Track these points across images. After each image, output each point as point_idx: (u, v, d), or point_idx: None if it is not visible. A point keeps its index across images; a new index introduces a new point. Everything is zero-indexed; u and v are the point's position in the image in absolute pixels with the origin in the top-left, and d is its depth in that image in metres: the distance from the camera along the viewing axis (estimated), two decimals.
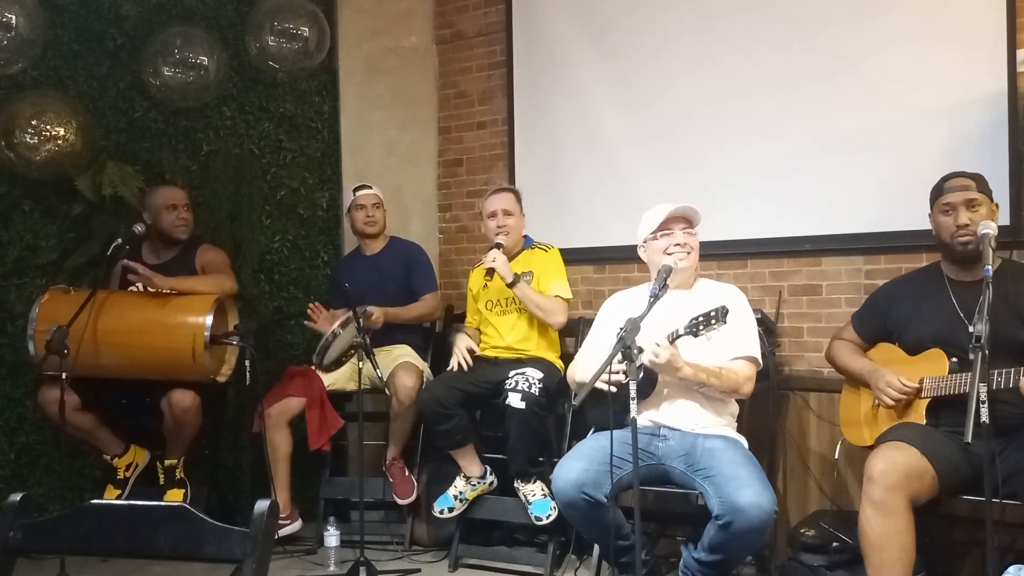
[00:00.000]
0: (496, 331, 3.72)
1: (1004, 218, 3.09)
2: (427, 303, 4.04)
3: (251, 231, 4.31)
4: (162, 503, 1.41)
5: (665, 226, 2.94)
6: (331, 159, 4.55)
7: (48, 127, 3.76)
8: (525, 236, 3.82)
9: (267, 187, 4.39)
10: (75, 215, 4.01)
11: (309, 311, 3.93)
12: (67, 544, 1.38)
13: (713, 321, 2.58)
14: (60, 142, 3.78)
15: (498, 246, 3.60)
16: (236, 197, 4.30)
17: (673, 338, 2.66)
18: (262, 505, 1.31)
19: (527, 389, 3.31)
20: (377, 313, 3.71)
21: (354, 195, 4.13)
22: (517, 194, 3.80)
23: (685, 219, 2.95)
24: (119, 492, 3.79)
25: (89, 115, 3.95)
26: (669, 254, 2.90)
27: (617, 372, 2.63)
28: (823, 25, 3.56)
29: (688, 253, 2.92)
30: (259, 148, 4.38)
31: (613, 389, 2.67)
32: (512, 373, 3.39)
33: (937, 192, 2.77)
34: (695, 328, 2.61)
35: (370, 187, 4.13)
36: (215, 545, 1.31)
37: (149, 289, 3.65)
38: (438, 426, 3.55)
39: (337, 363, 3.65)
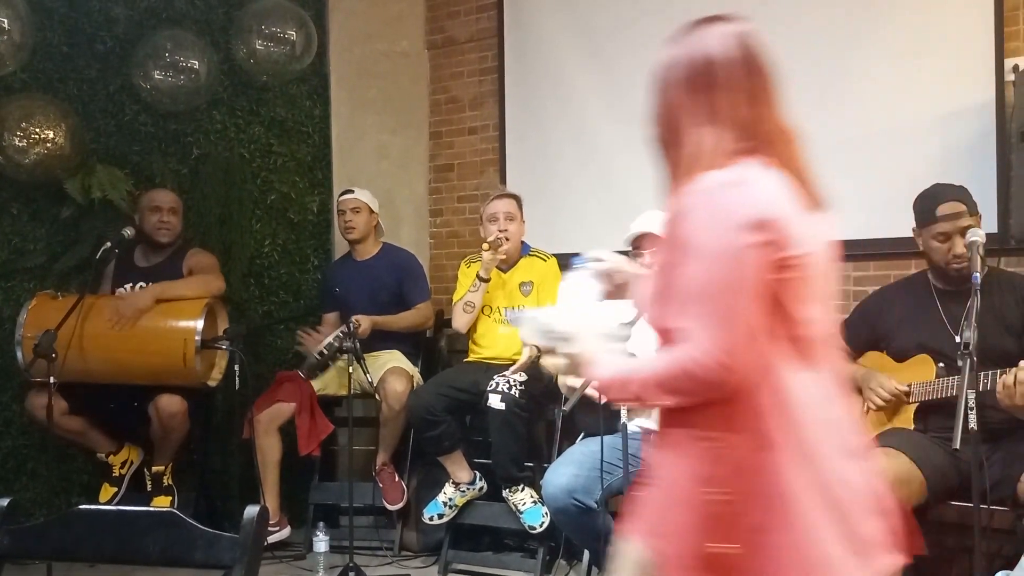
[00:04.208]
0: (492, 340, 3.70)
1: (991, 226, 3.11)
2: (420, 312, 4.03)
3: (241, 235, 4.30)
4: (151, 508, 1.40)
5: (635, 245, 2.93)
6: (322, 163, 4.54)
7: (37, 130, 3.73)
8: (523, 242, 3.82)
9: (257, 191, 4.37)
10: (64, 218, 3.99)
11: (300, 337, 3.95)
12: (54, 550, 1.37)
13: None
14: (49, 145, 3.76)
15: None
16: (226, 201, 4.28)
17: None
18: (252, 511, 1.31)
19: (507, 391, 3.32)
20: (365, 324, 3.71)
21: (338, 199, 4.14)
22: (519, 200, 3.79)
23: (654, 236, 2.91)
24: (115, 490, 3.77)
25: (79, 118, 3.93)
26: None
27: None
28: (815, 37, 3.58)
29: None
30: (249, 152, 4.37)
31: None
32: (496, 376, 3.41)
33: (927, 214, 2.71)
34: None
35: (353, 191, 4.12)
36: (204, 551, 1.30)
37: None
38: (426, 432, 3.54)
39: (323, 367, 3.66)
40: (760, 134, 1.40)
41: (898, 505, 1.44)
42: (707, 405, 1.33)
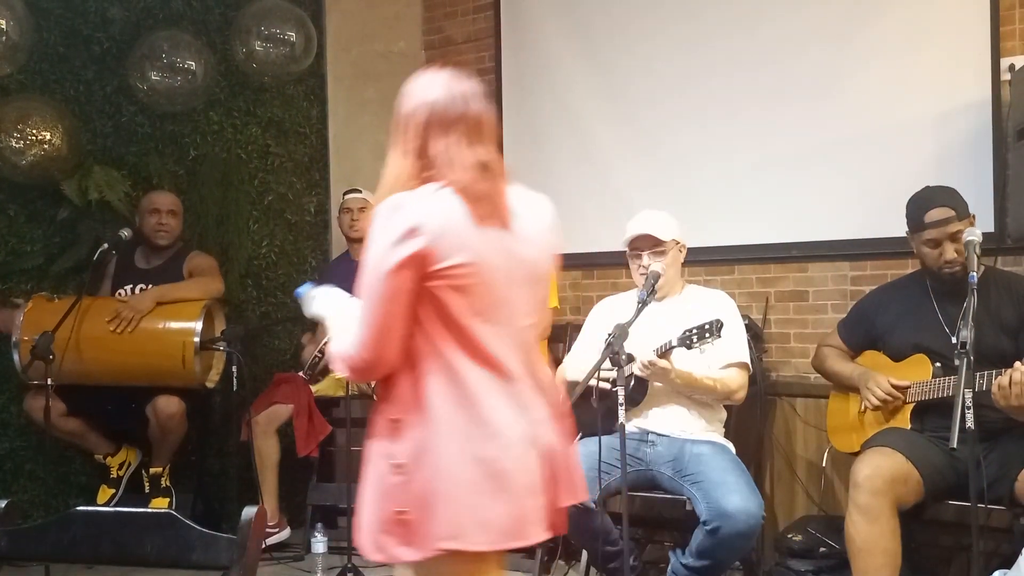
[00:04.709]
0: None
1: (988, 225, 3.12)
2: None
3: (238, 236, 4.30)
4: (149, 510, 1.40)
5: (633, 246, 2.93)
6: (319, 164, 4.54)
7: (34, 131, 3.74)
8: None
9: (254, 192, 4.37)
10: (61, 220, 3.99)
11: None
12: (52, 551, 1.37)
13: (707, 335, 2.58)
14: (46, 146, 3.76)
15: None
16: (223, 202, 4.28)
17: (665, 349, 2.66)
18: (249, 512, 1.31)
19: None
20: None
21: (343, 198, 4.14)
22: None
23: (652, 237, 2.89)
24: (113, 491, 3.78)
25: (75, 119, 3.93)
26: (641, 275, 2.87)
27: (606, 380, 2.63)
28: (811, 36, 3.58)
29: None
30: (246, 153, 4.36)
31: (606, 386, 2.66)
32: None
33: (916, 222, 2.72)
34: (688, 341, 2.61)
35: (359, 191, 4.12)
36: (202, 552, 1.30)
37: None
38: None
39: (324, 372, 3.65)
40: (440, 163, 1.66)
41: (557, 489, 1.68)
42: (390, 390, 1.64)
